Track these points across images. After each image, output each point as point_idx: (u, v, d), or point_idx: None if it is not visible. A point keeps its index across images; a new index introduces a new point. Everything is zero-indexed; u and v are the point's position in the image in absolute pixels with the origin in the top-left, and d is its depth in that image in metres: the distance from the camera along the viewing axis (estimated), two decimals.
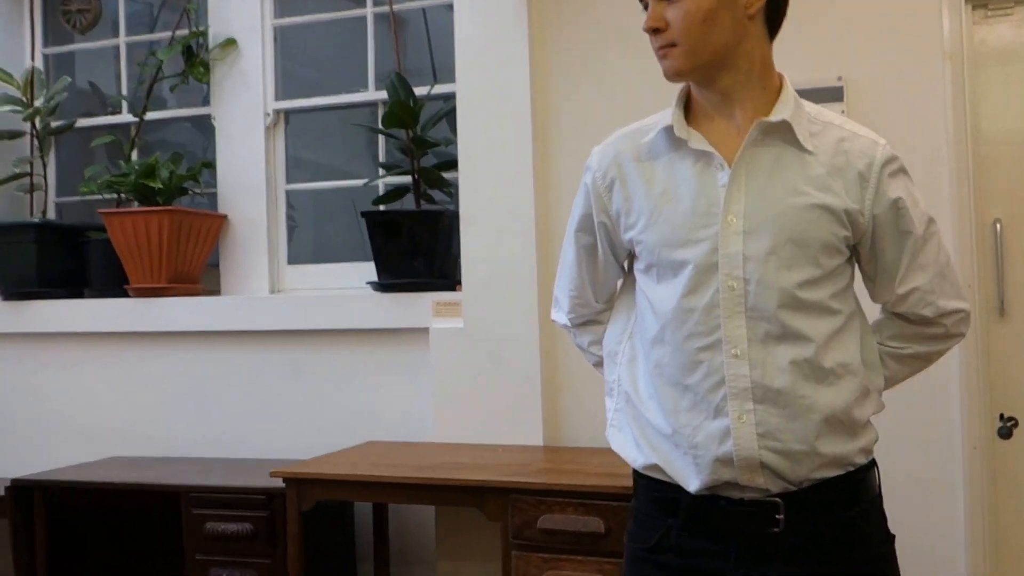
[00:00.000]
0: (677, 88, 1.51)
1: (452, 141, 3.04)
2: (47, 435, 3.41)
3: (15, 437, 3.45)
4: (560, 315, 1.72)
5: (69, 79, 3.52)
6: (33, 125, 3.47)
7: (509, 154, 2.87)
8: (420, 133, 3.07)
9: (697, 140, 1.45)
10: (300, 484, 2.49)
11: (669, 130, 1.47)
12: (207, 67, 3.34)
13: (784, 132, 1.42)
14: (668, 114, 1.48)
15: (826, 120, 1.46)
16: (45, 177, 3.55)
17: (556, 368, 2.86)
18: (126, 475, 2.93)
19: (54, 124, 3.52)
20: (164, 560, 3.11)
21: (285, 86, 3.38)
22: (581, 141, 2.81)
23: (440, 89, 3.15)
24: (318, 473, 2.50)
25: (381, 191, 3.25)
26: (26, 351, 3.45)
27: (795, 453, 1.39)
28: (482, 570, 2.80)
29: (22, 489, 2.90)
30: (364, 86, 3.33)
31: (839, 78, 2.60)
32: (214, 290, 3.35)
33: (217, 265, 3.36)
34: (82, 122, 3.60)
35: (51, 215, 3.62)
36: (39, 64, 3.67)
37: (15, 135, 3.49)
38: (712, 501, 1.43)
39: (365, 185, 3.28)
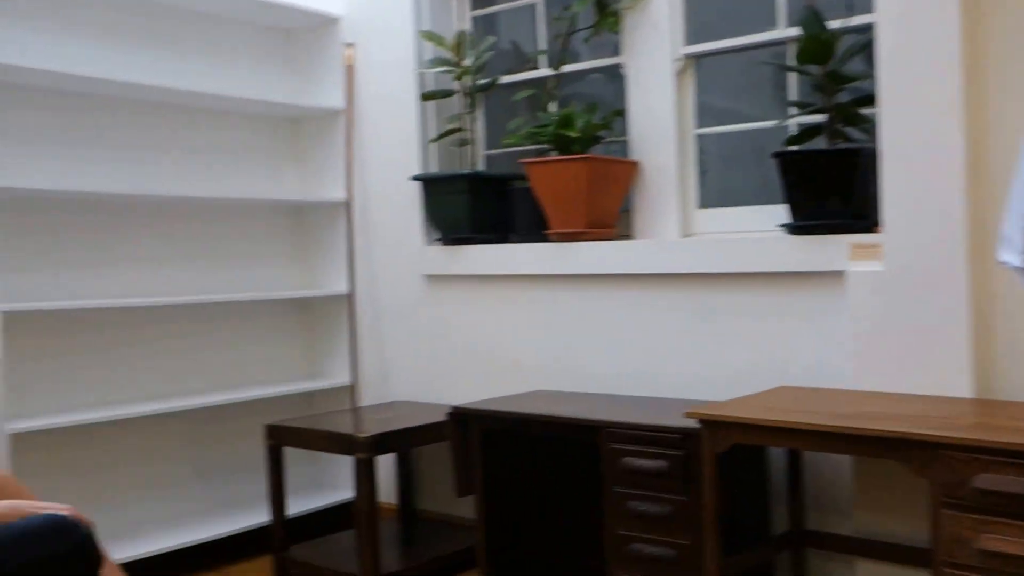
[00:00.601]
0: None
1: (868, 76, 2.82)
2: (481, 367, 3.69)
3: (455, 368, 3.78)
4: (1012, 256, 1.54)
5: (494, 39, 3.73)
6: (463, 84, 3.73)
7: (934, 84, 2.61)
8: (835, 68, 2.89)
9: None
10: (715, 426, 2.48)
11: None
12: (618, 17, 3.37)
13: None
14: None
15: None
16: (475, 132, 3.80)
17: (990, 315, 2.59)
18: (549, 408, 3.09)
19: (481, 82, 3.74)
20: (583, 488, 3.26)
21: (692, 31, 3.33)
22: (1021, 66, 2.51)
23: (856, 21, 2.94)
24: (733, 416, 2.46)
25: (792, 132, 3.11)
26: (462, 291, 3.75)
27: None
28: (902, 524, 2.63)
29: (460, 416, 3.17)
30: (770, 25, 3.19)
31: None
32: (627, 235, 3.42)
33: (629, 210, 3.42)
34: (505, 79, 3.79)
35: (480, 167, 3.87)
36: (466, 26, 3.92)
37: (448, 94, 3.76)
38: None
39: (777, 126, 3.16)
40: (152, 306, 3.63)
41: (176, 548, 3.39)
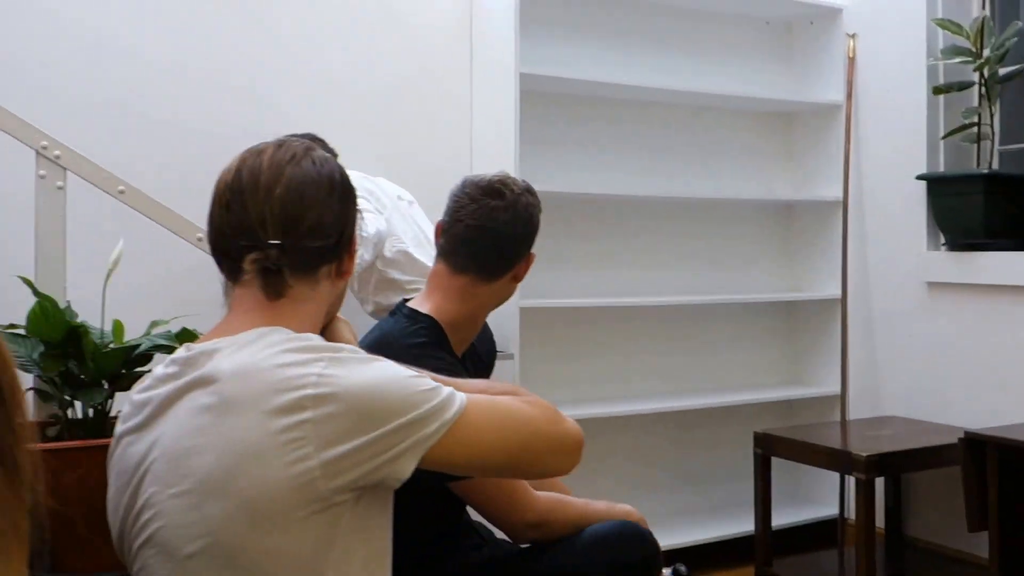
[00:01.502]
0: None
1: None
2: (991, 388, 3.44)
3: (958, 386, 3.56)
4: None
5: (1019, 23, 3.46)
6: (981, 74, 3.51)
7: None
8: None
9: None
10: None
11: None
12: None
13: None
14: None
15: None
16: (992, 127, 3.56)
17: None
18: None
19: (1002, 71, 3.50)
20: None
21: None
22: None
23: None
24: None
25: None
26: (972, 302, 3.52)
27: None
28: None
29: (975, 441, 3.00)
30: None
31: None
32: None
33: None
34: None
35: (995, 165, 3.63)
36: (987, 11, 3.68)
37: (964, 86, 3.56)
38: None
39: None
40: (643, 306, 3.84)
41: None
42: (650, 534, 1.95)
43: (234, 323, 1.34)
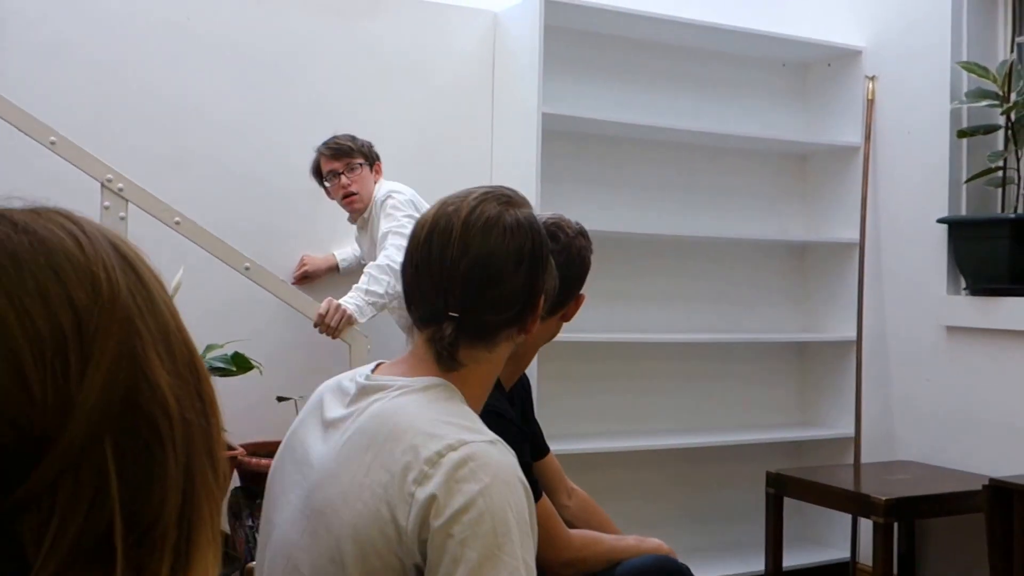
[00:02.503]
0: None
1: None
2: (1017, 435, 3.56)
3: (989, 435, 3.67)
4: None
5: None
6: (1008, 118, 3.66)
7: None
8: None
9: None
10: None
11: None
12: None
13: None
14: None
15: None
16: (1018, 171, 3.71)
17: None
18: None
19: None
20: None
21: None
22: None
23: None
24: None
25: None
26: (994, 347, 3.65)
27: None
28: None
29: (1000, 490, 3.12)
30: None
31: None
32: None
33: None
34: None
35: (1020, 209, 3.77)
36: (1010, 55, 3.82)
37: (990, 129, 3.70)
38: None
39: None
40: (657, 343, 3.98)
41: None
42: (687, 568, 2.03)
43: (412, 365, 1.40)
